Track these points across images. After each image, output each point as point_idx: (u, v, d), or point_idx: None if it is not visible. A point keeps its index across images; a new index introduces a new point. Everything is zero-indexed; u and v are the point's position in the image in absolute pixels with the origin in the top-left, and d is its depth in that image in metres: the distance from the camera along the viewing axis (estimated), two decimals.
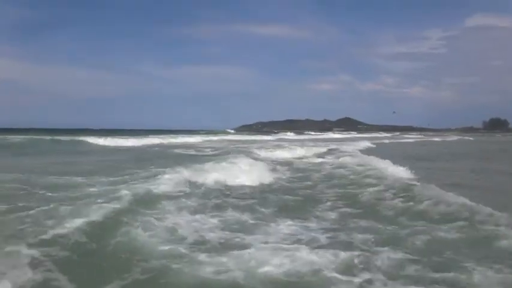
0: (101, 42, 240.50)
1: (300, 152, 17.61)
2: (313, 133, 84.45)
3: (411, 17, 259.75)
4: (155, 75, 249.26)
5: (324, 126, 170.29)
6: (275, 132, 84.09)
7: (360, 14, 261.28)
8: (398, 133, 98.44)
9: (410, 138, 59.51)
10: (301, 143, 28.81)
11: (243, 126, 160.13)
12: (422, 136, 71.37)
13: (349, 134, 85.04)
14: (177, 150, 21.38)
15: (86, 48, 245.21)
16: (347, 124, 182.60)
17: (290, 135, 64.93)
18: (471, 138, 59.54)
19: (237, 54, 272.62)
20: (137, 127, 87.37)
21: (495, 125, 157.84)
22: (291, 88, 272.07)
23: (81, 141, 26.36)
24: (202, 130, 71.97)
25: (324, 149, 19.87)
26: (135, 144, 28.08)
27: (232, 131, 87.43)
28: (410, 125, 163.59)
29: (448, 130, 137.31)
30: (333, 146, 22.32)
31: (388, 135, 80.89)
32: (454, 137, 63.06)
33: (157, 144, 29.01)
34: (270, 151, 17.89)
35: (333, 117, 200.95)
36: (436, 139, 54.75)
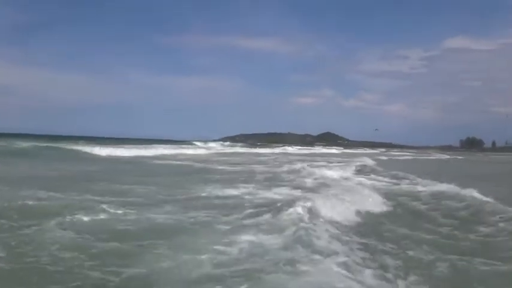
0: (89, 48, 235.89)
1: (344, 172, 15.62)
2: (303, 147, 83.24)
3: (393, 36, 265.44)
4: (142, 83, 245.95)
5: (306, 140, 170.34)
6: (258, 145, 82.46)
7: (344, 30, 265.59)
8: (384, 149, 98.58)
9: (402, 155, 59.06)
10: (326, 160, 27.48)
11: (226, 137, 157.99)
12: (414, 153, 71.29)
13: (337, 149, 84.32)
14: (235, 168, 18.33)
15: (71, 53, 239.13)
16: (328, 139, 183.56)
17: (290, 149, 63.52)
18: (460, 157, 59.63)
19: (222, 65, 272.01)
20: (121, 135, 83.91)
21: (471, 143, 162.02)
22: (274, 100, 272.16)
23: (79, 150, 24.17)
24: (192, 140, 69.40)
25: (353, 167, 18.43)
26: (140, 154, 26.46)
27: (228, 143, 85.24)
28: (390, 141, 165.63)
29: (427, 148, 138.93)
30: (357, 163, 21.08)
31: (376, 151, 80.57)
32: (445, 156, 63.07)
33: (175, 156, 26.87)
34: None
35: (315, 132, 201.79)
36: (431, 157, 54.48)
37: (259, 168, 16.73)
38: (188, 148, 40.71)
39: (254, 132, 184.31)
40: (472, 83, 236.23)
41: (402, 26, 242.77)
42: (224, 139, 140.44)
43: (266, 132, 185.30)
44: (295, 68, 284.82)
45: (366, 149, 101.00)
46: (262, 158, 28.45)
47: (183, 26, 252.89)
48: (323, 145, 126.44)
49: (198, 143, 61.66)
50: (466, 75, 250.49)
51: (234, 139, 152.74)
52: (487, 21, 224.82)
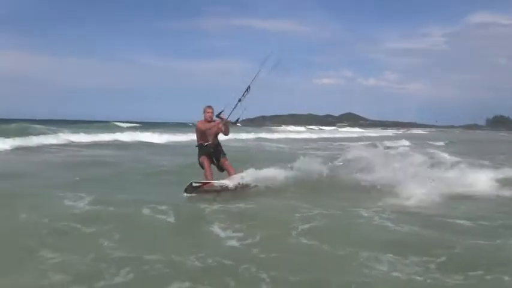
0: (102, 33, 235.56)
1: None
2: (328, 128, 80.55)
3: (413, 14, 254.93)
4: (156, 66, 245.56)
5: (327, 121, 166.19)
6: (277, 126, 79.49)
7: (362, 9, 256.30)
8: (412, 129, 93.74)
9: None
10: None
11: (243, 120, 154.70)
12: (459, 132, 67.27)
13: (368, 129, 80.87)
14: None
15: (86, 39, 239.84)
16: (350, 119, 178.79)
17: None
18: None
19: (239, 48, 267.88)
20: (137, 119, 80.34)
21: (498, 122, 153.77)
22: (293, 82, 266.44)
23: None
24: None
25: None
26: None
27: None
28: (414, 121, 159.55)
29: (451, 127, 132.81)
30: None
31: (404, 131, 76.07)
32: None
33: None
34: None
35: (336, 112, 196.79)
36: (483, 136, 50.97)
37: None
38: None
39: (275, 114, 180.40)
40: (498, 59, 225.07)
41: (422, 2, 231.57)
42: (243, 122, 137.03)
43: (286, 113, 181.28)
44: (314, 49, 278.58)
45: (391, 129, 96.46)
46: None
47: (198, 10, 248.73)
48: (345, 125, 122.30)
49: None
50: (491, 51, 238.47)
51: (253, 121, 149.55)
52: None
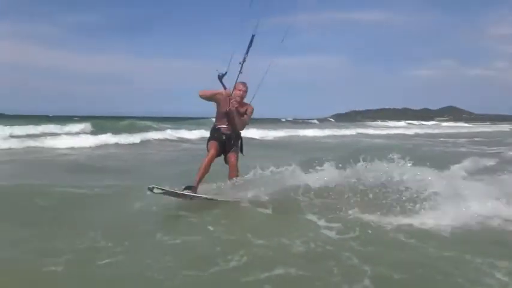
0: (194, 36, 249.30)
1: None
2: (427, 123, 76.04)
3: None
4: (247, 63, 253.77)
5: (425, 115, 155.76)
6: (371, 121, 76.49)
7: None
8: None
9: None
10: None
11: (335, 115, 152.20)
12: None
13: (475, 124, 73.71)
14: None
15: (181, 43, 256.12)
16: (451, 113, 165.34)
17: None
18: None
19: (329, 42, 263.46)
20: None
21: None
22: (385, 75, 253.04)
23: None
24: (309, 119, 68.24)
25: None
26: None
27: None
28: None
29: None
30: None
31: None
32: None
33: None
34: None
35: (434, 106, 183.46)
36: None
37: None
38: None
39: (366, 108, 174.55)
40: None
41: None
42: (333, 116, 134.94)
43: (379, 107, 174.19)
44: (408, 39, 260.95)
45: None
46: None
47: (287, 5, 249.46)
48: (445, 120, 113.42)
49: None
50: None
51: (345, 116, 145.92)
52: None
